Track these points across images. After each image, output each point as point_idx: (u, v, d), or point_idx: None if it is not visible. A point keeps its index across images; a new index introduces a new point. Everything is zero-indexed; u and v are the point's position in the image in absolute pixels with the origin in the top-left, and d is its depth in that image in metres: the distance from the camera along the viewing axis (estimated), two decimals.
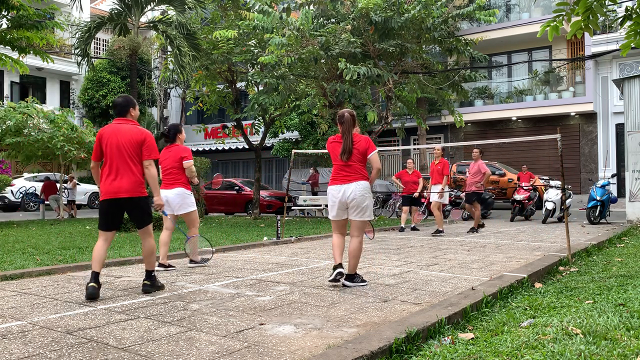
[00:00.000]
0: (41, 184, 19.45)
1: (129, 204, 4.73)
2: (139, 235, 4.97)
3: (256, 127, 17.62)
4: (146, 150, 4.76)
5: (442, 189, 10.76)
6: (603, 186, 12.54)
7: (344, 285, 5.05)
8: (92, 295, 4.51)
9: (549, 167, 21.41)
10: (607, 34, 19.67)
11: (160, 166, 6.30)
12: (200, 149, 28.80)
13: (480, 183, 11.15)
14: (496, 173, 18.14)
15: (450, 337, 3.39)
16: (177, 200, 6.21)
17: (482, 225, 11.79)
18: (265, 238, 9.59)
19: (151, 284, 4.87)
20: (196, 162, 15.99)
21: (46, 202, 17.96)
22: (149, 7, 15.44)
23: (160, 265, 6.16)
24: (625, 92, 12.87)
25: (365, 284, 5.13)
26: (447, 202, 11.47)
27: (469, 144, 21.48)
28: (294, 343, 3.28)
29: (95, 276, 4.61)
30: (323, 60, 13.44)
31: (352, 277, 5.09)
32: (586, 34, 17.14)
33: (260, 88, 15.70)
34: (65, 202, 17.21)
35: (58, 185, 17.62)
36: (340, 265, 5.10)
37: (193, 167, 6.27)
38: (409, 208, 12.00)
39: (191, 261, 6.61)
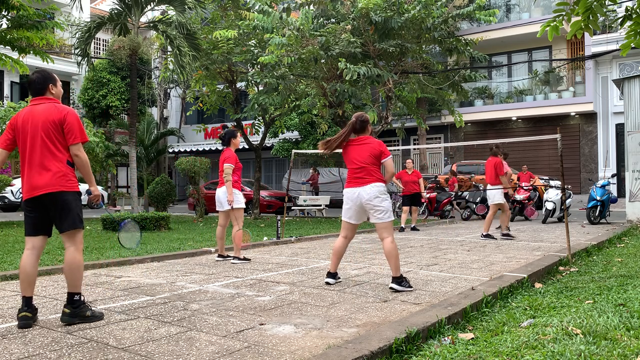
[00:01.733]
0: None
1: (48, 201, 3.78)
2: (63, 241, 3.88)
3: (256, 127, 17.62)
4: (69, 132, 3.81)
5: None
6: (603, 186, 12.54)
7: (391, 289, 4.86)
8: (26, 326, 3.68)
9: (549, 167, 21.42)
10: (607, 34, 19.67)
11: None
12: (200, 149, 28.80)
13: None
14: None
15: (450, 337, 3.39)
16: (222, 197, 6.85)
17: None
18: (265, 238, 9.59)
19: (72, 312, 3.74)
20: (197, 163, 15.99)
21: None
22: (149, 7, 15.42)
23: (219, 256, 6.98)
24: (625, 92, 12.87)
25: (411, 289, 4.88)
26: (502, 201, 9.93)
27: (469, 144, 21.49)
28: (294, 343, 3.28)
29: (27, 302, 3.74)
30: (323, 60, 13.44)
31: (399, 280, 4.89)
32: (586, 34, 17.14)
33: (260, 88, 15.70)
34: None
35: None
36: (330, 274, 5.27)
37: (228, 170, 6.76)
38: (409, 208, 12.01)
39: (235, 257, 6.90)
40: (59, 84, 4.03)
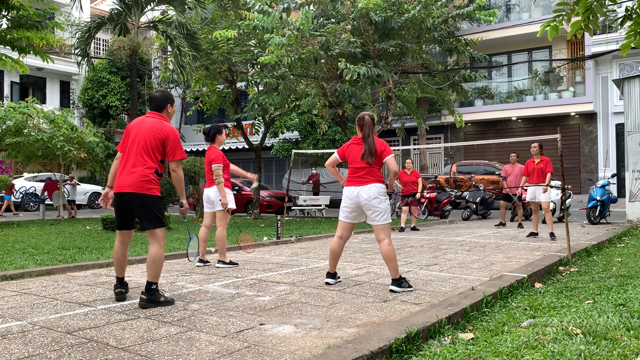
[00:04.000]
0: (41, 184, 19.43)
1: (133, 201, 4.31)
2: (147, 237, 4.44)
3: (256, 127, 17.62)
4: (170, 150, 4.35)
5: (547, 186, 9.52)
6: (603, 186, 12.54)
7: (392, 291, 4.81)
8: (122, 300, 4.45)
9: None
10: (607, 34, 19.67)
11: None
12: (201, 149, 28.79)
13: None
14: (496, 173, 18.15)
15: (450, 337, 3.39)
16: (214, 196, 6.54)
17: (504, 224, 11.94)
18: (265, 238, 9.59)
19: (148, 299, 4.24)
20: (196, 163, 15.99)
21: (47, 202, 17.95)
22: (149, 7, 15.43)
23: (200, 261, 6.64)
24: (625, 92, 12.87)
25: (411, 289, 4.85)
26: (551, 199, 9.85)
27: (469, 144, 21.49)
28: (294, 343, 3.28)
29: (120, 281, 4.50)
30: (323, 60, 13.43)
31: (399, 281, 4.85)
32: (586, 34, 17.16)
33: (260, 88, 15.70)
34: (66, 202, 17.22)
35: (59, 185, 17.61)
36: (329, 275, 5.26)
37: (219, 171, 6.46)
38: (408, 208, 12.00)
39: (209, 262, 6.68)
40: (175, 104, 4.59)
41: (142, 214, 4.32)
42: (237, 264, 6.62)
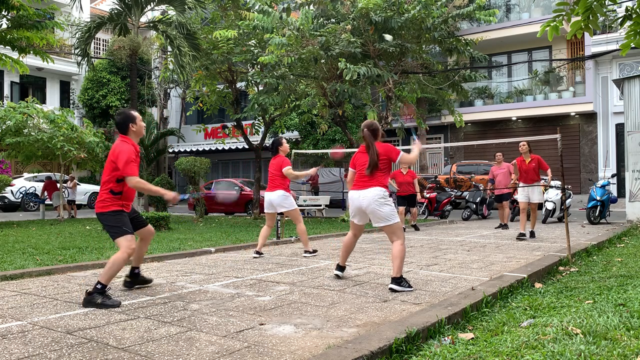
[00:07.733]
0: (41, 183, 19.45)
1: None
2: None
3: (256, 127, 17.62)
4: (120, 167, 4.52)
5: (547, 183, 9.56)
6: (603, 186, 12.54)
7: (391, 289, 4.83)
8: (126, 286, 5.05)
9: (549, 167, 21.38)
10: (607, 34, 19.67)
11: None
12: (200, 149, 28.79)
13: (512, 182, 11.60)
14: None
15: (450, 337, 3.39)
16: (277, 200, 7.32)
17: (506, 227, 11.82)
18: None
19: (86, 299, 4.31)
20: (196, 162, 15.99)
21: (47, 202, 17.95)
22: (149, 7, 15.43)
23: (257, 252, 7.38)
24: (625, 92, 12.87)
25: (411, 289, 4.86)
26: (541, 200, 9.94)
27: (469, 144, 21.49)
28: (294, 343, 3.28)
29: (132, 270, 5.05)
30: (323, 60, 13.43)
31: (399, 280, 4.88)
32: (586, 34, 17.15)
33: (260, 88, 15.70)
34: (66, 202, 17.21)
35: (58, 185, 17.61)
36: (339, 267, 5.45)
37: (290, 171, 7.30)
38: (404, 209, 11.81)
39: (306, 252, 7.46)
40: (139, 120, 4.75)
41: (105, 229, 4.77)
42: (317, 251, 7.55)
